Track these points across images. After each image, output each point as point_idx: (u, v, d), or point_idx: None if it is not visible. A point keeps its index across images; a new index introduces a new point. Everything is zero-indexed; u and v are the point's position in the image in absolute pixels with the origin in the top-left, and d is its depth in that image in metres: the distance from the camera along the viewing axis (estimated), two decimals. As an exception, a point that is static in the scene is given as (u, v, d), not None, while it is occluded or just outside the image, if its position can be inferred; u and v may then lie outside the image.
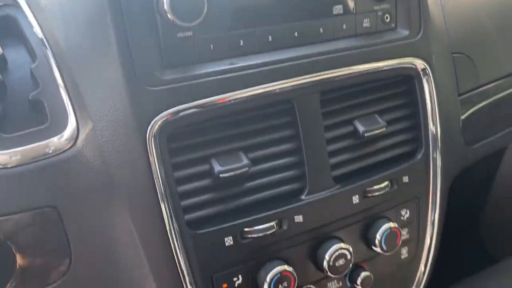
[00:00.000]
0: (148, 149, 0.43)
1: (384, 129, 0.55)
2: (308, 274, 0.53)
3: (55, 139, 0.44)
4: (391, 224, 0.56)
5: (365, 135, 0.54)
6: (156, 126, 0.43)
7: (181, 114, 0.44)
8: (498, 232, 1.35)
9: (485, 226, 1.37)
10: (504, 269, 0.90)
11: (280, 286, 0.49)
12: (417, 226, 0.61)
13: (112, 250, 0.47)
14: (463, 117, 0.69)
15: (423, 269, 0.63)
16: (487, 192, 1.32)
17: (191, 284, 0.48)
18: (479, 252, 1.32)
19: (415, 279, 0.63)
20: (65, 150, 0.44)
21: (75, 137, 0.44)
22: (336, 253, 0.52)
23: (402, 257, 0.61)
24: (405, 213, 0.59)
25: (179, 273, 0.47)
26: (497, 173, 1.28)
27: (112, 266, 0.48)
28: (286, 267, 0.50)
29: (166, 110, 0.43)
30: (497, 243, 1.08)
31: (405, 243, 0.60)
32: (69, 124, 0.44)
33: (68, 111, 0.44)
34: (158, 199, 0.45)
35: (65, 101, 0.44)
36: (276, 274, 0.49)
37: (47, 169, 0.43)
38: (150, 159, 0.44)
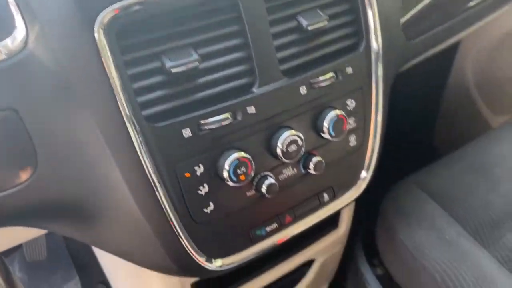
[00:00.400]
0: (99, 45, 0.45)
1: (326, 22, 0.58)
2: (264, 161, 0.58)
3: (6, 42, 0.45)
4: (338, 112, 0.60)
5: (309, 28, 0.57)
6: (104, 22, 0.45)
7: (126, 9, 0.46)
8: (449, 132, 1.45)
9: (438, 125, 1.47)
10: (450, 161, 0.99)
11: (238, 171, 0.54)
12: (363, 115, 0.66)
13: (77, 150, 0.50)
14: (404, 18, 0.73)
15: (371, 155, 0.69)
16: (440, 91, 1.41)
17: (156, 176, 0.51)
18: (430, 148, 1.43)
19: (364, 164, 0.69)
20: (18, 53, 0.45)
21: (25, 40, 0.45)
22: (288, 139, 0.57)
23: (351, 144, 0.66)
24: (351, 103, 0.64)
25: (143, 165, 0.50)
26: (450, 74, 1.35)
27: (80, 165, 0.51)
28: (243, 154, 0.54)
29: (111, 4, 0.45)
30: (447, 142, 1.17)
31: (352, 131, 0.65)
32: (17, 27, 0.45)
33: (14, 14, 0.45)
34: (115, 95, 0.47)
35: (10, 4, 0.45)
36: (234, 161, 0.54)
37: (2, 72, 0.45)
38: (101, 55, 0.45)
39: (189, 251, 0.56)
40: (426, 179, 0.92)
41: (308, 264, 0.89)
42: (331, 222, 0.86)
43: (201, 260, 0.57)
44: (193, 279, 0.70)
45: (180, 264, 0.57)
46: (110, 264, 1.07)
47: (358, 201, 0.88)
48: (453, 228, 0.82)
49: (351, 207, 0.86)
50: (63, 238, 1.42)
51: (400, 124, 1.41)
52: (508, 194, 0.88)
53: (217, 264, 0.59)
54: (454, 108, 1.46)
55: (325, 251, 0.88)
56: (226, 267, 0.60)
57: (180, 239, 0.55)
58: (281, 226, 0.64)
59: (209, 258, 0.58)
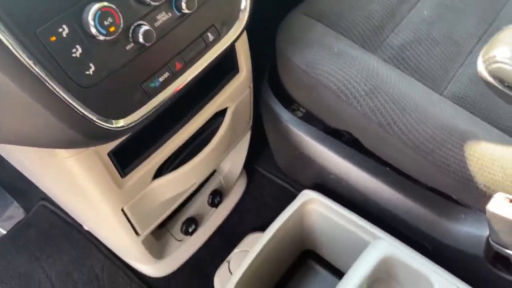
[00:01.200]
0: None
1: None
2: (132, 9, 0.57)
3: None
4: None
5: None
6: None
7: None
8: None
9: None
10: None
11: (105, 22, 0.53)
12: None
13: None
14: None
15: None
16: None
17: (20, 48, 0.49)
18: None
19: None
20: None
21: None
22: (148, -20, 0.56)
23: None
24: None
25: (2, 39, 0.48)
26: None
27: None
28: (105, 3, 0.53)
29: None
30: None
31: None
32: None
33: None
34: None
35: None
36: (97, 12, 0.52)
37: None
38: None
39: (85, 116, 0.56)
40: (311, 6, 0.95)
41: (223, 113, 0.93)
42: (231, 67, 0.88)
43: (101, 122, 0.58)
44: (108, 148, 0.72)
45: (82, 132, 0.58)
46: (40, 176, 1.07)
47: (259, 44, 0.90)
48: (341, 42, 0.88)
49: (246, 48, 0.88)
50: (-15, 170, 1.37)
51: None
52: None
53: (119, 125, 0.60)
54: None
55: (234, 97, 0.92)
56: (130, 126, 0.61)
57: (72, 107, 0.55)
58: (174, 74, 0.65)
59: (109, 119, 0.59)
